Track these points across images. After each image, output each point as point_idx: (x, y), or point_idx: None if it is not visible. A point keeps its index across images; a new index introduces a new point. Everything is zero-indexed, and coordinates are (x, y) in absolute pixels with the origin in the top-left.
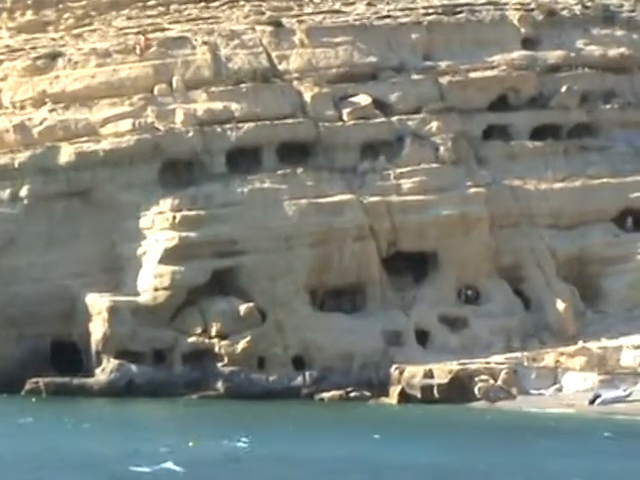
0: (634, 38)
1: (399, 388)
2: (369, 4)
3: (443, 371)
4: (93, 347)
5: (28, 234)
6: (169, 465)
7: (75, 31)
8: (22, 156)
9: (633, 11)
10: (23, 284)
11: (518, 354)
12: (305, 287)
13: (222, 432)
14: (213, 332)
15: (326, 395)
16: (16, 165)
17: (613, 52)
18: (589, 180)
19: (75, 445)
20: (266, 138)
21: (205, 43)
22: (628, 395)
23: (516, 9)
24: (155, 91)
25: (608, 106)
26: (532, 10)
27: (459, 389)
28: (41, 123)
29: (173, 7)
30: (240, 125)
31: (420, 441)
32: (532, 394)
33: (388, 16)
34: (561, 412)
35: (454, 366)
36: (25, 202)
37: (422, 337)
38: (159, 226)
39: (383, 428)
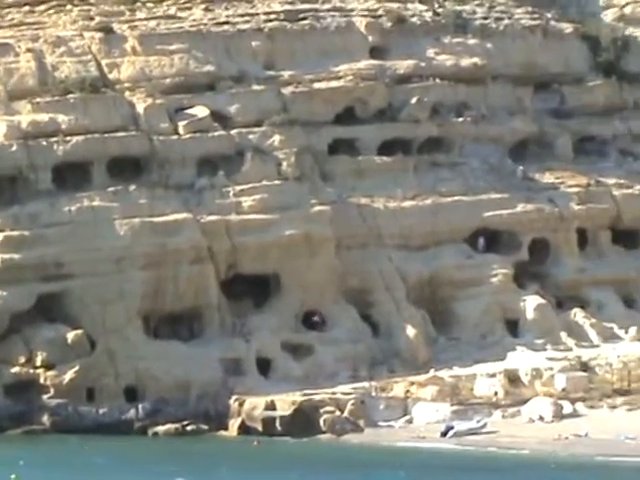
0: (488, 47)
1: (239, 421)
2: (206, 9)
3: (286, 402)
4: None
5: None
6: None
7: None
8: None
9: (486, 18)
10: None
11: (366, 383)
12: (138, 313)
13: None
14: (38, 362)
15: (161, 429)
16: None
17: (466, 62)
18: (441, 198)
19: None
20: (96, 153)
21: (29, 50)
22: (482, 426)
23: (363, 16)
24: None
25: (460, 119)
26: (380, 17)
27: (303, 421)
28: None
29: None
30: (68, 139)
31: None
32: (381, 426)
33: (227, 22)
34: (412, 445)
35: (298, 397)
36: None
37: (264, 366)
38: None
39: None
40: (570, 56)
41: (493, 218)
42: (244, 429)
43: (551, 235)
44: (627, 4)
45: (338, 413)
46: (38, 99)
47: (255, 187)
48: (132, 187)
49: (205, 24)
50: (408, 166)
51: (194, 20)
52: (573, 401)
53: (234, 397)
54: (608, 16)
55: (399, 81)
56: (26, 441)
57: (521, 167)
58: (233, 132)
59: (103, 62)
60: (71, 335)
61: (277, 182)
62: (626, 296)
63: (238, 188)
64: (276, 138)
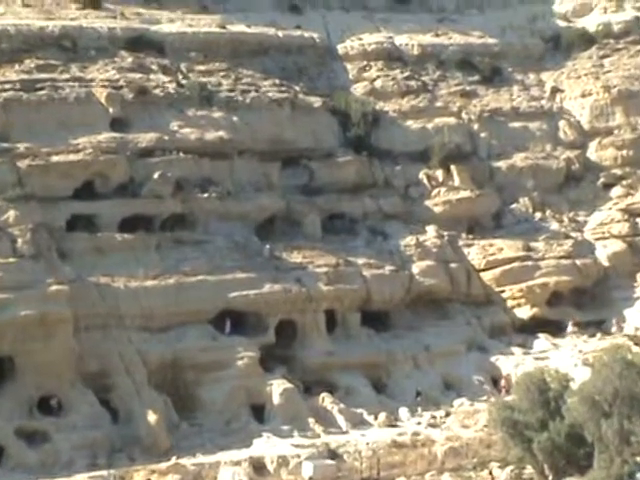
0: (234, 120)
1: None
2: None
3: None
4: None
5: None
6: None
7: None
8: None
9: (232, 91)
10: None
11: (104, 472)
12: None
13: None
14: None
15: None
16: None
17: (211, 135)
18: (184, 277)
19: None
20: None
21: None
22: None
23: (103, 86)
24: None
25: (205, 195)
26: (121, 88)
27: None
28: None
29: None
30: None
31: None
32: None
33: None
34: None
35: None
36: None
37: None
38: None
39: None
40: (319, 131)
41: (239, 299)
42: None
43: (299, 317)
44: (377, 78)
45: None
46: None
47: None
48: None
49: None
50: (150, 244)
51: None
52: None
53: None
54: (358, 90)
55: (141, 155)
56: None
57: (268, 245)
58: None
59: None
60: None
61: (12, 260)
62: (376, 380)
63: None
64: (11, 214)
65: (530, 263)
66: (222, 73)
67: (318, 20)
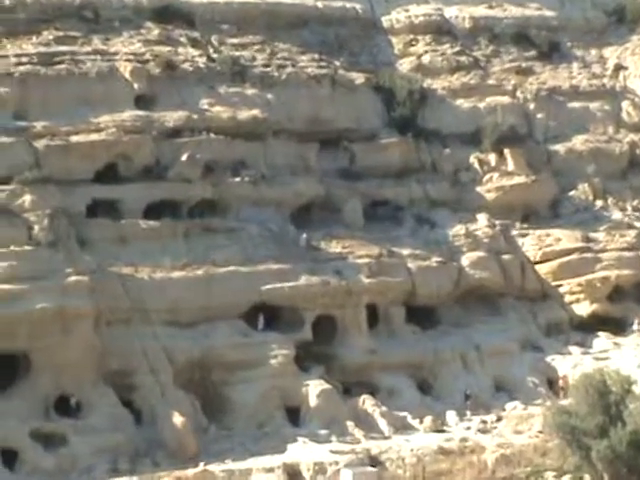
0: (269, 98)
1: None
2: None
3: None
4: None
5: None
6: None
7: None
8: None
9: (267, 66)
10: None
11: (126, 478)
12: None
13: None
14: None
15: None
16: None
17: (244, 114)
18: (214, 268)
19: None
20: None
21: None
22: None
23: (128, 60)
24: None
25: (237, 179)
26: (147, 62)
27: None
28: None
29: None
30: None
31: None
32: None
33: None
34: None
35: None
36: None
37: (9, 457)
38: None
39: None
40: (361, 110)
41: (273, 292)
42: None
43: (338, 312)
44: (425, 53)
45: None
46: None
47: (2, 254)
48: None
49: None
50: (178, 232)
51: None
52: None
53: None
54: (404, 66)
55: (168, 135)
56: None
57: (305, 234)
58: None
59: None
60: None
61: (27, 248)
62: (421, 381)
63: None
64: (27, 198)
65: (590, 255)
66: (256, 47)
67: None
